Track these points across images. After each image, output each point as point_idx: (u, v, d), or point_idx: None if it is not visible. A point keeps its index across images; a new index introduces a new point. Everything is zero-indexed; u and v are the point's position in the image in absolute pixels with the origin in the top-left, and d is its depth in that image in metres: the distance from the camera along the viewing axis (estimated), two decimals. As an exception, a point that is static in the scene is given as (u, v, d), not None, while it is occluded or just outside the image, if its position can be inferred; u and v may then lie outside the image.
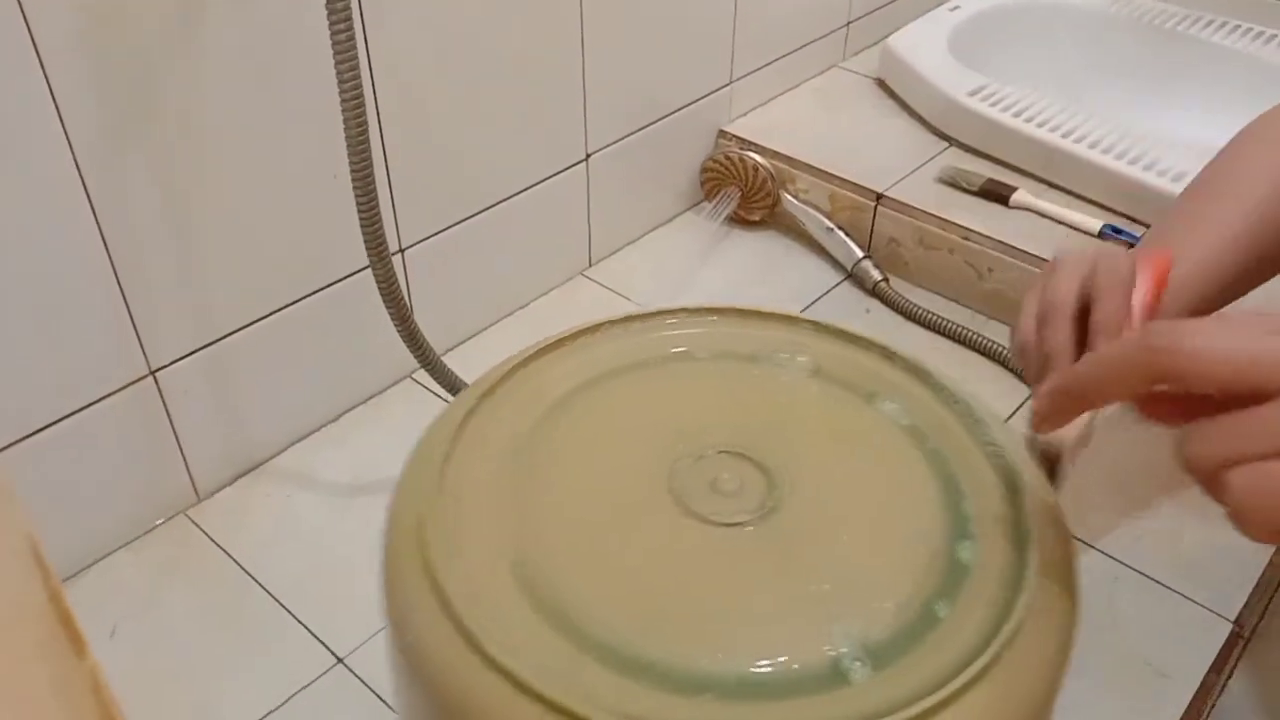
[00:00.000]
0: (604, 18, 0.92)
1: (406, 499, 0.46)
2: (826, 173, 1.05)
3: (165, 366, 0.74)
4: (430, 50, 0.80)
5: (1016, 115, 1.05)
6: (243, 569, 0.76)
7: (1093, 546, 0.76)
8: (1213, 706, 0.69)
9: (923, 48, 1.16)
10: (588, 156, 0.98)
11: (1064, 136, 1.01)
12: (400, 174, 0.82)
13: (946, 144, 1.10)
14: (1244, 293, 0.56)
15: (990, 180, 1.02)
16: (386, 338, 0.74)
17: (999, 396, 0.88)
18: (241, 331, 0.78)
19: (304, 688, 0.68)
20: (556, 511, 0.46)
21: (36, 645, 0.16)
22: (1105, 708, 0.67)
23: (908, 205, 1.01)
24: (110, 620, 0.72)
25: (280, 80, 0.72)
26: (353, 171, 0.65)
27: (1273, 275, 0.57)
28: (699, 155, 1.11)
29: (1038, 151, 1.02)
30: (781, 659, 0.40)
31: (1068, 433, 0.46)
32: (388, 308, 0.71)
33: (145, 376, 0.73)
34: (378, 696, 0.68)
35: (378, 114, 0.78)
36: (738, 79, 1.11)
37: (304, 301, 0.80)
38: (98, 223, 0.66)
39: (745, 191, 1.09)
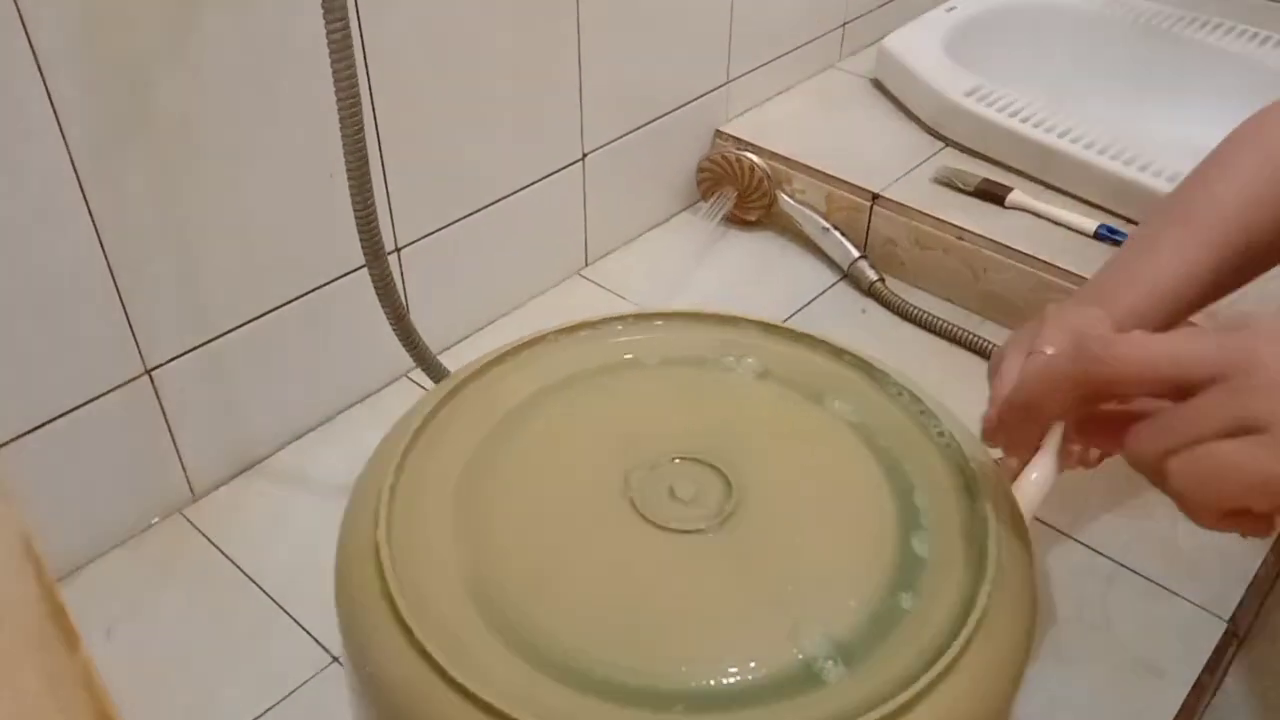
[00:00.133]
0: (601, 17, 0.92)
1: (357, 523, 0.45)
2: (823, 173, 1.05)
3: (161, 365, 0.74)
4: (426, 50, 0.80)
5: (1012, 116, 1.05)
6: (238, 568, 0.76)
7: (1089, 546, 0.77)
8: (1207, 706, 0.69)
9: (919, 48, 1.16)
10: (584, 156, 0.98)
11: (1059, 137, 1.02)
12: (396, 173, 0.82)
13: (942, 144, 1.10)
14: (1222, 295, 0.57)
15: (986, 180, 1.02)
16: (382, 337, 0.74)
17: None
18: (237, 330, 0.78)
19: (300, 686, 0.68)
20: (512, 528, 0.45)
21: (28, 640, 0.16)
22: (1099, 706, 0.67)
23: (904, 205, 1.01)
24: (106, 619, 0.72)
25: (276, 80, 0.72)
26: (349, 170, 0.65)
27: (1247, 281, 0.58)
28: (695, 155, 1.11)
29: (1033, 152, 1.02)
30: (751, 665, 0.40)
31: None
32: (384, 307, 0.71)
33: (141, 375, 0.73)
34: (373, 695, 0.68)
35: (374, 113, 0.78)
36: (734, 79, 1.12)
37: (300, 300, 0.81)
38: (93, 221, 0.66)
39: (742, 191, 1.09)
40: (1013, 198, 1.00)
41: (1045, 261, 0.93)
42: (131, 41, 0.64)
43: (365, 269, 0.70)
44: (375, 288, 0.70)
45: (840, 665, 0.40)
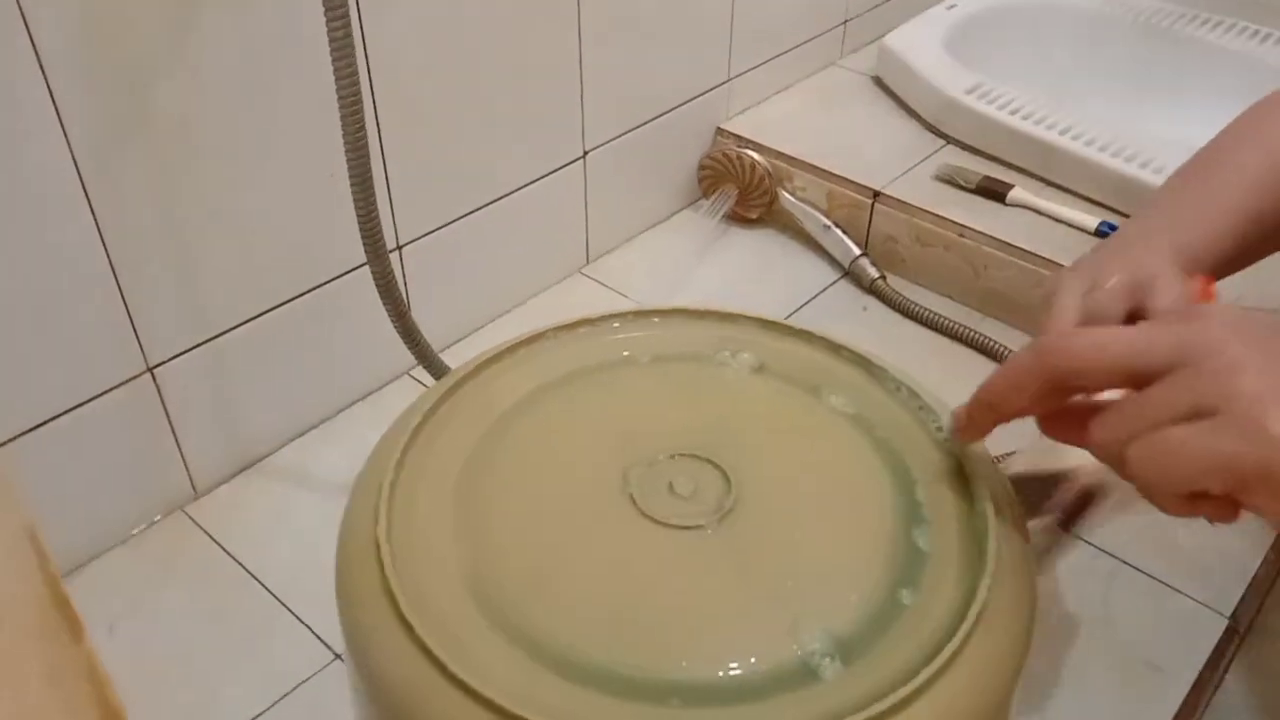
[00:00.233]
0: (602, 15, 0.92)
1: (357, 520, 0.45)
2: (824, 170, 1.05)
3: (163, 363, 0.74)
4: (427, 48, 0.80)
5: (1013, 113, 1.05)
6: (240, 565, 0.76)
7: (1089, 542, 0.77)
8: (1208, 702, 0.69)
9: (919, 46, 1.16)
10: (585, 154, 0.98)
11: (1061, 134, 1.02)
12: (397, 171, 0.82)
13: (943, 142, 1.10)
14: (1249, 263, 0.56)
15: (987, 178, 1.02)
16: (384, 335, 0.74)
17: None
18: (239, 328, 0.78)
19: (302, 683, 0.69)
20: (512, 524, 0.45)
21: (33, 630, 0.16)
22: (1100, 703, 0.67)
23: (905, 203, 1.01)
24: (108, 616, 0.72)
25: (277, 78, 0.72)
26: (350, 168, 0.65)
27: (1272, 252, 0.57)
28: (696, 153, 1.12)
29: (1034, 149, 1.02)
30: (750, 660, 0.40)
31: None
32: (385, 304, 0.72)
33: (143, 373, 0.73)
34: (375, 692, 0.68)
35: (375, 111, 0.78)
36: (735, 77, 1.12)
37: (302, 298, 0.81)
38: (96, 220, 0.66)
39: (743, 189, 1.09)
40: (1014, 195, 1.00)
41: (1046, 259, 0.93)
42: (132, 41, 0.64)
43: (366, 267, 0.70)
44: (377, 286, 0.71)
45: (839, 661, 0.40)
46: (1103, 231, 0.95)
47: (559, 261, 1.03)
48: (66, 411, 0.70)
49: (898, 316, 0.99)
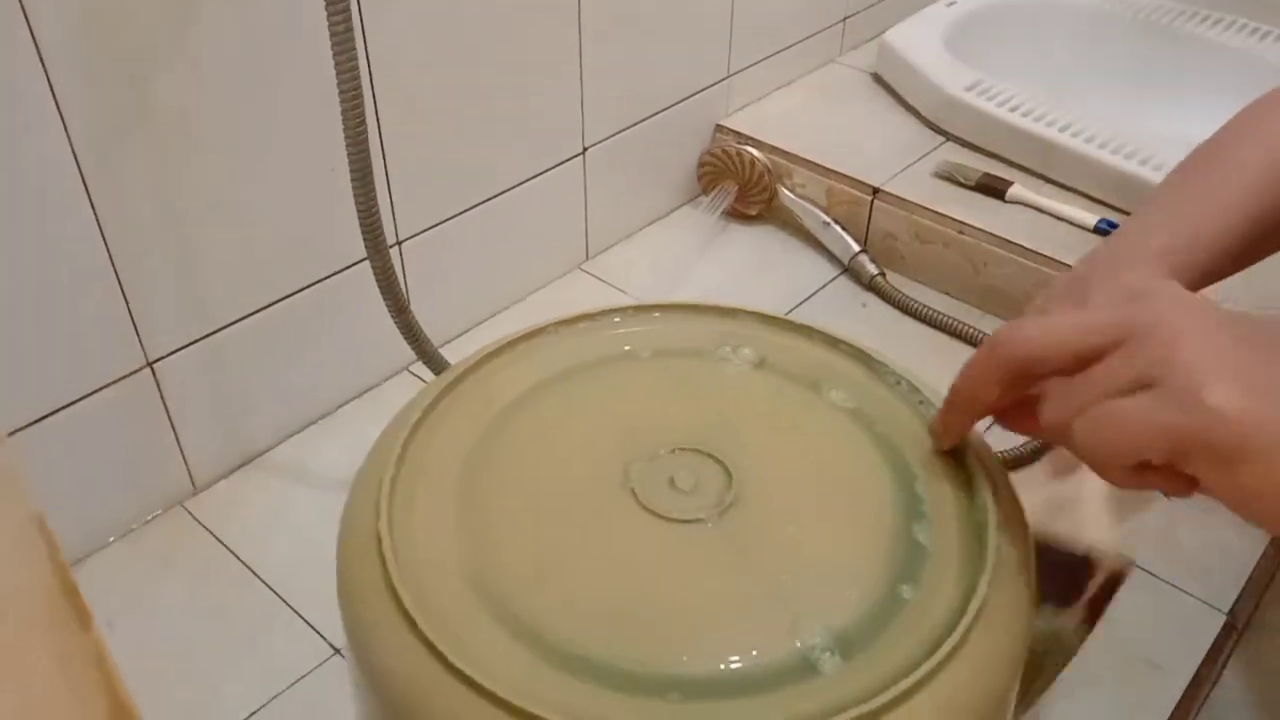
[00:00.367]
0: (602, 11, 0.92)
1: (358, 516, 0.45)
2: (823, 167, 1.06)
3: (163, 358, 0.74)
4: (428, 44, 0.80)
5: (1013, 110, 1.05)
6: (240, 560, 0.76)
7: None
8: (1206, 699, 0.69)
9: (919, 43, 1.16)
10: (585, 150, 0.98)
11: (1060, 131, 1.02)
12: (398, 167, 0.82)
13: (943, 139, 1.10)
14: (1248, 264, 0.56)
15: (986, 175, 1.02)
16: (384, 330, 0.74)
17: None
18: (239, 323, 0.78)
19: (301, 678, 0.69)
20: (513, 519, 0.45)
21: (41, 619, 0.16)
22: (1098, 700, 0.67)
23: (904, 200, 1.01)
24: (107, 611, 0.72)
25: (278, 73, 0.72)
26: (351, 164, 0.65)
27: (1271, 253, 0.57)
28: (696, 149, 1.12)
29: (1034, 146, 1.03)
30: (750, 654, 0.40)
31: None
32: (385, 300, 0.72)
33: (143, 368, 0.73)
34: (375, 687, 0.68)
35: (375, 107, 0.78)
36: (735, 73, 1.12)
37: (301, 294, 0.81)
38: (96, 215, 0.66)
39: (742, 186, 1.09)
40: (1013, 192, 1.00)
41: (1046, 256, 0.94)
42: (132, 34, 0.64)
43: (366, 262, 0.70)
44: (377, 281, 0.71)
45: (839, 655, 0.40)
46: (1101, 229, 0.96)
47: (559, 257, 1.03)
48: (66, 406, 0.70)
49: (897, 313, 0.99)
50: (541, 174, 0.95)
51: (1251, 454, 0.34)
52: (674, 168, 1.11)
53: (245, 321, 0.78)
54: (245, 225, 0.75)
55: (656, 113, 1.04)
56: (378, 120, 0.79)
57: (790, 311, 0.99)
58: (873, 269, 1.02)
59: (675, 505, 0.45)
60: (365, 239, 0.68)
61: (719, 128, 1.12)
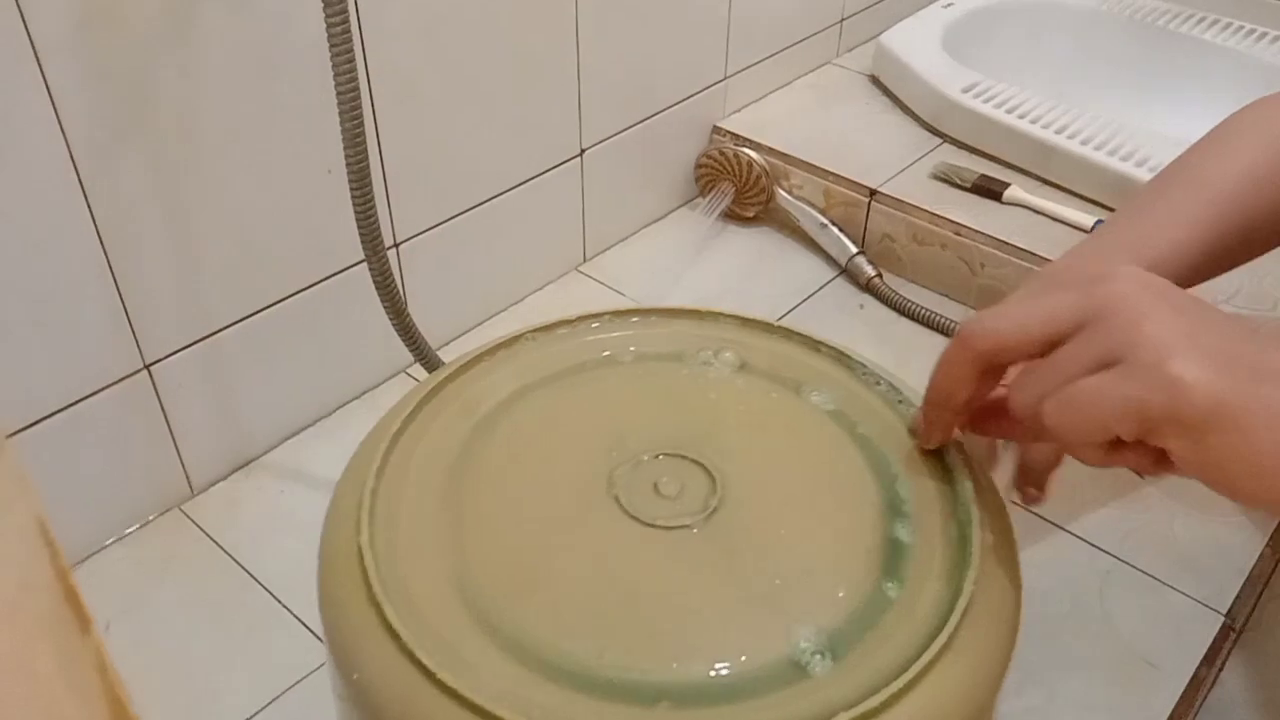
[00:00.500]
0: (599, 12, 0.92)
1: (339, 528, 0.44)
2: (821, 169, 1.06)
3: (160, 360, 0.74)
4: (425, 45, 0.80)
5: (1009, 112, 1.05)
6: (237, 563, 0.76)
7: (1086, 540, 0.77)
8: (1204, 699, 0.69)
9: (916, 45, 1.16)
10: (582, 152, 0.98)
11: (1057, 133, 1.02)
12: (395, 168, 0.82)
13: (940, 140, 1.10)
14: (1211, 276, 0.57)
15: (983, 176, 1.02)
16: (381, 332, 0.74)
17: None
18: (236, 325, 0.78)
19: (299, 681, 0.68)
20: (496, 528, 0.45)
21: (43, 621, 0.16)
22: (1096, 700, 0.67)
23: (901, 201, 1.01)
24: (104, 614, 0.72)
25: (275, 75, 0.72)
26: (348, 165, 0.65)
27: (1238, 264, 0.58)
28: (693, 151, 1.12)
29: (1031, 148, 1.03)
30: (739, 659, 0.40)
31: None
32: (383, 302, 0.71)
33: (140, 370, 0.73)
34: (373, 690, 0.68)
35: (373, 108, 0.78)
36: (732, 75, 1.12)
37: (299, 296, 0.80)
38: (93, 217, 0.66)
39: (740, 187, 1.09)
40: (1010, 193, 1.00)
41: (1043, 257, 0.94)
42: (130, 35, 0.64)
43: (363, 264, 0.70)
44: (375, 283, 0.70)
45: (828, 658, 0.40)
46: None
47: (556, 259, 1.03)
48: (62, 409, 0.70)
49: (894, 314, 0.99)
50: (539, 176, 0.95)
51: (1218, 423, 0.35)
52: (671, 169, 1.11)
53: (242, 324, 0.78)
54: (242, 227, 0.75)
55: (654, 114, 1.04)
56: (375, 122, 0.79)
57: (787, 313, 0.99)
58: (870, 270, 1.02)
59: (660, 511, 0.45)
60: (363, 241, 0.68)
61: (716, 129, 1.12)
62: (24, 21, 0.59)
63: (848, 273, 1.04)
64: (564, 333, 0.54)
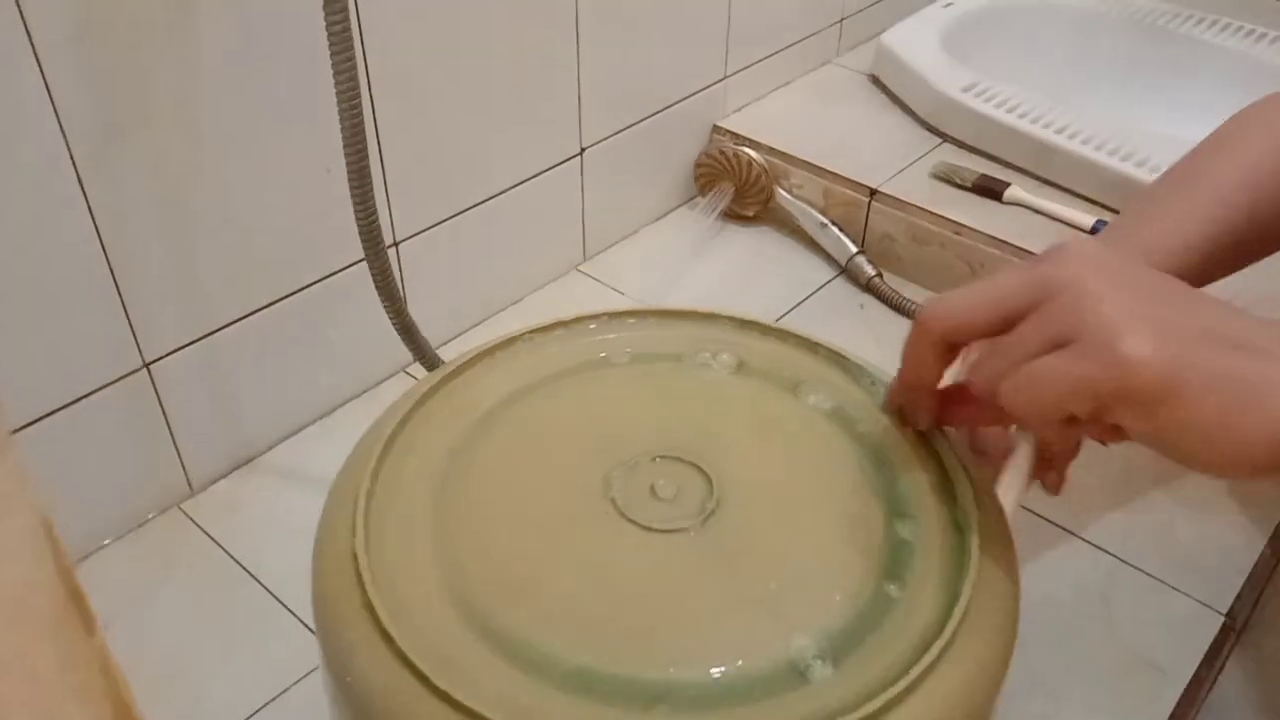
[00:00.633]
0: (599, 12, 0.92)
1: (333, 533, 0.44)
2: (820, 168, 1.05)
3: (159, 359, 0.74)
4: (425, 44, 0.80)
5: (1010, 112, 1.05)
6: (237, 562, 0.76)
7: (1087, 540, 0.77)
8: (1204, 700, 0.69)
9: (916, 44, 1.16)
10: (582, 151, 0.98)
11: (1057, 133, 1.02)
12: (395, 167, 0.82)
13: (940, 140, 1.10)
14: (1217, 277, 0.57)
15: (983, 176, 1.02)
16: (381, 331, 0.74)
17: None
18: (236, 324, 0.77)
19: (298, 680, 0.68)
20: (492, 531, 0.44)
21: (47, 621, 0.16)
22: (1096, 700, 0.67)
23: (901, 201, 1.01)
24: (103, 614, 0.71)
25: (275, 74, 0.71)
26: (348, 164, 0.65)
27: (1248, 263, 0.58)
28: (693, 150, 1.11)
29: (1031, 148, 1.03)
30: (737, 663, 0.40)
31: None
32: (383, 301, 0.71)
33: (139, 369, 0.73)
34: (373, 689, 0.68)
35: (372, 107, 0.78)
36: (732, 74, 1.12)
37: (298, 294, 0.80)
38: (92, 215, 0.66)
39: (739, 187, 1.09)
40: (1010, 193, 1.00)
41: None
42: (129, 33, 0.64)
43: (363, 263, 0.70)
44: (375, 282, 0.70)
45: (828, 660, 0.40)
46: (1098, 229, 0.96)
47: (556, 258, 1.03)
48: (61, 407, 0.70)
49: (894, 314, 0.99)
50: (539, 175, 0.95)
51: (1168, 397, 0.36)
52: (671, 169, 1.11)
53: (242, 322, 0.78)
54: (242, 226, 0.75)
55: (654, 114, 1.04)
56: (375, 121, 0.79)
57: (787, 313, 0.99)
58: (870, 270, 1.02)
59: (657, 514, 0.45)
60: (363, 240, 0.68)
61: (716, 129, 1.12)
62: (23, 20, 0.59)
63: (848, 272, 1.03)
64: (560, 334, 0.54)
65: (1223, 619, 0.71)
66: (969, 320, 0.42)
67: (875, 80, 1.21)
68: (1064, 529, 0.77)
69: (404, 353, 0.76)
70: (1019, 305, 0.40)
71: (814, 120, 1.14)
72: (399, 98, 0.80)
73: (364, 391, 0.89)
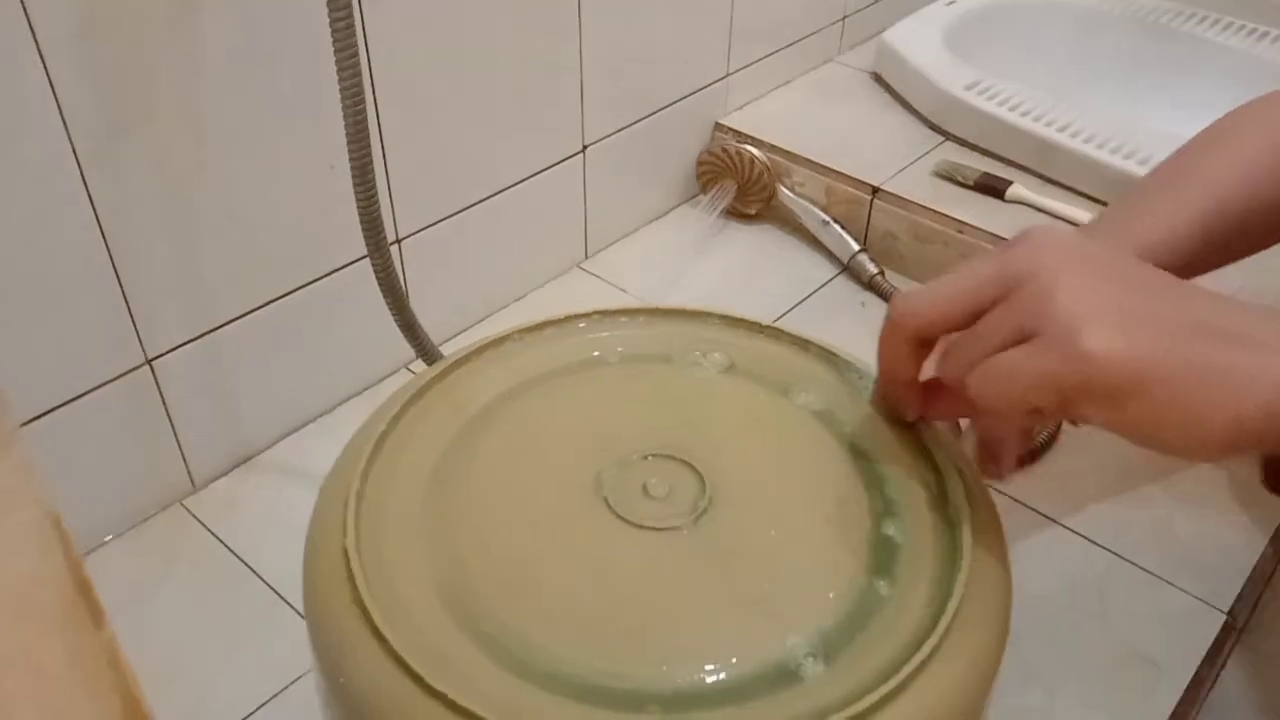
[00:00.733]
0: (602, 9, 0.92)
1: (324, 532, 0.44)
2: (823, 166, 1.05)
3: (161, 355, 0.74)
4: (428, 41, 0.80)
5: (1012, 110, 1.05)
6: (239, 559, 0.76)
7: (1086, 537, 0.77)
8: (1205, 698, 0.69)
9: (918, 42, 1.16)
10: (584, 148, 0.98)
11: (1059, 131, 1.02)
12: (397, 164, 0.82)
13: (942, 138, 1.10)
14: (1207, 269, 0.57)
15: (986, 174, 1.02)
16: (383, 328, 0.74)
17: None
18: (238, 321, 0.77)
19: (301, 677, 0.68)
20: (484, 530, 0.44)
21: (55, 615, 0.16)
22: (1097, 699, 0.67)
23: (904, 199, 1.01)
24: (106, 610, 0.72)
25: (278, 70, 0.71)
26: (351, 161, 0.65)
27: (1235, 258, 0.58)
28: (695, 148, 1.11)
29: (1033, 146, 1.03)
30: (730, 661, 0.40)
31: None
32: (386, 298, 0.71)
33: (141, 365, 0.73)
34: (374, 686, 0.68)
35: (375, 104, 0.78)
36: (734, 72, 1.12)
37: (301, 291, 0.80)
38: (95, 211, 0.66)
39: (741, 185, 1.09)
40: (1013, 191, 1.00)
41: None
42: (133, 29, 0.64)
43: (365, 260, 0.70)
44: (377, 278, 0.70)
45: (820, 659, 0.40)
46: (1101, 228, 0.96)
47: (558, 256, 1.03)
48: (63, 404, 0.70)
49: (896, 312, 0.99)
50: (541, 172, 0.95)
51: (1130, 391, 0.36)
52: (673, 166, 1.11)
53: (244, 319, 0.78)
54: (244, 223, 0.75)
55: (656, 111, 1.04)
56: (378, 118, 0.79)
57: (789, 311, 0.99)
58: (872, 268, 1.02)
59: (650, 513, 0.45)
60: (366, 236, 0.68)
61: (718, 126, 1.12)
62: (27, 16, 0.59)
63: (849, 270, 1.03)
64: (551, 333, 0.54)
65: (1224, 617, 0.71)
66: (939, 316, 0.42)
67: (877, 78, 1.21)
68: (1062, 524, 0.77)
69: (406, 350, 0.76)
70: (987, 297, 0.40)
71: (816, 118, 1.14)
72: (402, 95, 0.80)
73: (366, 389, 0.90)
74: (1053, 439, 0.83)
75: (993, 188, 1.01)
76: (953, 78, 1.10)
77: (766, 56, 1.15)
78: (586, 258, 1.05)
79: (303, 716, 0.67)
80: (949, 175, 1.03)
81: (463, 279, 0.94)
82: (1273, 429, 0.36)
